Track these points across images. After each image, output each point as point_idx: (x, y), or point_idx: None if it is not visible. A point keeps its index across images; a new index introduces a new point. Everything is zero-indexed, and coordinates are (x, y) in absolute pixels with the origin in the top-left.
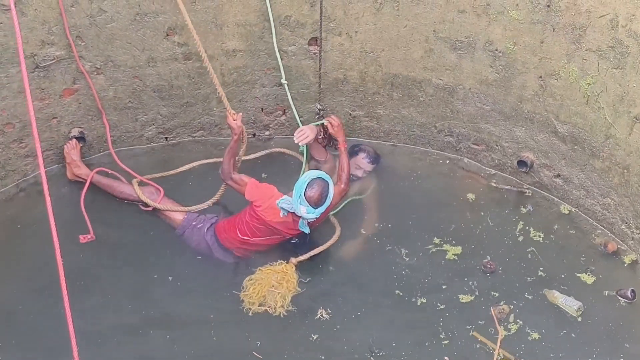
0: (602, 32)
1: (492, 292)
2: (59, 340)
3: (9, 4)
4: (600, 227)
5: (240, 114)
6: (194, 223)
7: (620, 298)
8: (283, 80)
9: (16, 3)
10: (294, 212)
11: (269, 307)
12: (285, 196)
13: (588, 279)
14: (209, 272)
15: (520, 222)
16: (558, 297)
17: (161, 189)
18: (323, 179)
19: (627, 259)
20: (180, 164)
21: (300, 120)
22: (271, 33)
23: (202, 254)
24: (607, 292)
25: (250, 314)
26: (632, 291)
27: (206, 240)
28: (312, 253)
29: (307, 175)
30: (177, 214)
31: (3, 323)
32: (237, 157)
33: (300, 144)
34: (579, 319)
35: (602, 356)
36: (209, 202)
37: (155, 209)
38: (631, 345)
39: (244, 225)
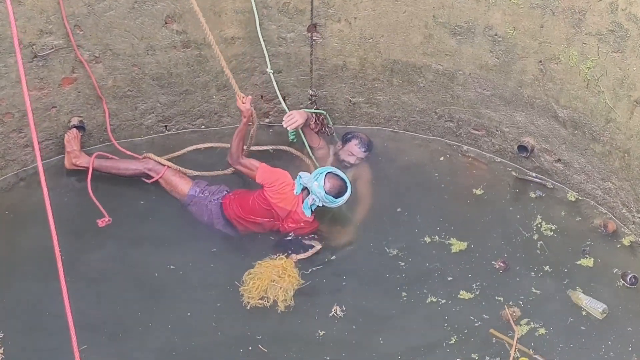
0: (602, 16)
1: (501, 289)
2: (60, 328)
3: None
4: (600, 210)
5: (250, 97)
6: (200, 194)
7: (622, 280)
8: (268, 70)
9: None
10: (305, 190)
11: (266, 301)
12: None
13: (588, 262)
14: (211, 260)
15: (538, 216)
16: (582, 299)
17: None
18: (346, 183)
19: (625, 241)
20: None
21: (301, 108)
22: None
23: (204, 225)
24: (615, 270)
25: (248, 307)
26: (633, 277)
27: (210, 209)
28: (312, 251)
29: (337, 169)
30: (183, 185)
31: (5, 312)
32: (248, 140)
33: (289, 128)
34: (583, 313)
35: (613, 345)
36: (223, 172)
37: (159, 182)
38: (634, 328)
39: (249, 203)
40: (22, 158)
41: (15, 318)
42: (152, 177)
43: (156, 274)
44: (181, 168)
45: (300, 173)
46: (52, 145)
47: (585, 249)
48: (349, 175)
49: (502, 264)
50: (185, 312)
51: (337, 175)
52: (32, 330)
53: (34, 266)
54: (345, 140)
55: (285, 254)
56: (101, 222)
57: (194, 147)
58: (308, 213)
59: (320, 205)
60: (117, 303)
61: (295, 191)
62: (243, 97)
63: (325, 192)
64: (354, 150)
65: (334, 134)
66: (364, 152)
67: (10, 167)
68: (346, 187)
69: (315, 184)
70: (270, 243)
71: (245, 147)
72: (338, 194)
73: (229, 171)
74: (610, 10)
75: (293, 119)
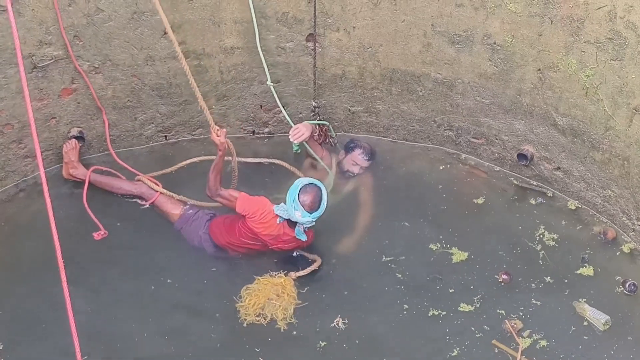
0: (600, 24)
1: (503, 301)
2: (60, 339)
3: (6, 4)
4: (601, 218)
5: (224, 129)
6: (190, 219)
7: (621, 287)
8: (268, 83)
9: (13, 3)
10: (289, 220)
11: (263, 318)
12: (280, 204)
13: (589, 271)
14: (208, 274)
15: (541, 226)
16: (587, 310)
17: (159, 183)
18: (316, 184)
19: (625, 248)
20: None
21: (300, 117)
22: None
23: (195, 249)
24: (618, 277)
25: (245, 325)
26: (632, 285)
27: (200, 235)
28: (312, 268)
29: (300, 181)
30: (174, 208)
31: (6, 323)
32: (234, 171)
33: (295, 141)
34: (585, 323)
35: (615, 355)
36: (212, 205)
37: (152, 205)
38: (634, 338)
39: (236, 231)
40: (22, 169)
41: (15, 329)
42: (146, 200)
43: (152, 287)
44: (174, 194)
45: (274, 208)
46: (52, 155)
47: (584, 256)
48: (351, 185)
49: (505, 277)
50: (182, 323)
51: (305, 186)
52: (32, 341)
53: (34, 277)
54: (348, 149)
55: (285, 272)
56: (97, 235)
57: (189, 161)
58: (304, 237)
59: (314, 224)
60: (113, 314)
61: (277, 220)
62: (217, 130)
63: (310, 213)
64: (357, 160)
65: (337, 144)
66: (368, 161)
67: (10, 177)
68: (319, 189)
69: (298, 214)
70: (270, 259)
71: (234, 181)
72: (320, 202)
73: (213, 205)
74: (609, 18)
75: (299, 133)
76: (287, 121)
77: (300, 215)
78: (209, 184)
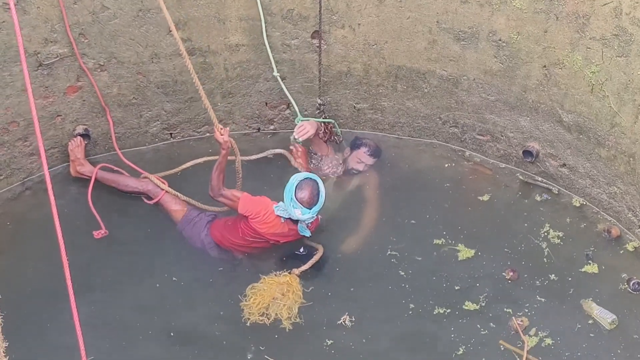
0: (606, 20)
1: (508, 298)
2: (65, 339)
3: (8, 2)
4: (606, 215)
5: (227, 128)
6: (192, 221)
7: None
8: (275, 73)
9: (18, 1)
10: (290, 218)
11: (267, 317)
12: (279, 203)
13: (593, 269)
14: (213, 272)
15: (546, 224)
16: (594, 309)
17: (165, 181)
18: (311, 178)
19: (629, 246)
20: (185, 161)
21: (305, 115)
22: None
23: (198, 251)
24: (624, 274)
25: (248, 324)
26: (636, 283)
27: (201, 238)
28: (313, 261)
29: (295, 177)
30: (178, 212)
31: (11, 321)
32: (238, 172)
33: (300, 139)
34: (590, 322)
35: (622, 354)
36: (218, 209)
37: (157, 203)
38: None
39: (239, 232)
40: (27, 166)
41: (21, 328)
42: (151, 198)
43: (157, 285)
44: (179, 194)
45: (274, 208)
46: (58, 153)
47: (588, 253)
48: (357, 181)
49: (512, 274)
50: (187, 321)
51: (300, 182)
52: (37, 339)
53: (39, 276)
54: (354, 147)
55: (289, 271)
56: (97, 234)
57: (193, 162)
58: (308, 234)
59: (316, 216)
60: (118, 313)
61: (281, 219)
62: (221, 129)
63: (309, 208)
64: (362, 158)
65: (342, 142)
66: (373, 159)
67: (16, 175)
68: (316, 182)
69: (297, 212)
70: (275, 257)
71: (238, 182)
72: (318, 195)
73: (218, 209)
74: (614, 14)
75: (304, 130)
76: (295, 111)
77: (300, 213)
78: (211, 184)
